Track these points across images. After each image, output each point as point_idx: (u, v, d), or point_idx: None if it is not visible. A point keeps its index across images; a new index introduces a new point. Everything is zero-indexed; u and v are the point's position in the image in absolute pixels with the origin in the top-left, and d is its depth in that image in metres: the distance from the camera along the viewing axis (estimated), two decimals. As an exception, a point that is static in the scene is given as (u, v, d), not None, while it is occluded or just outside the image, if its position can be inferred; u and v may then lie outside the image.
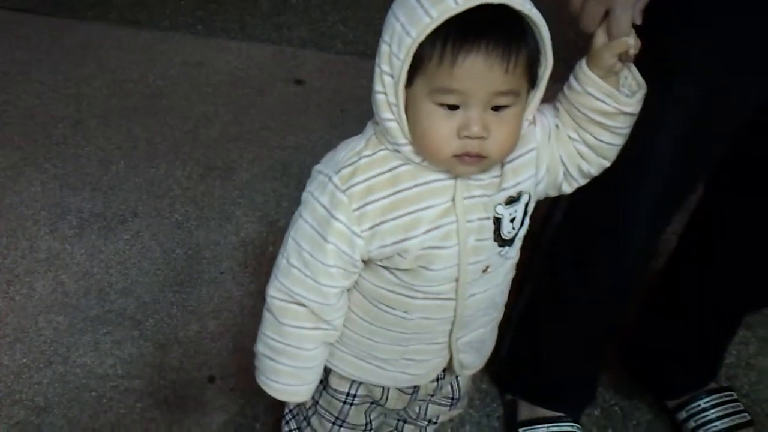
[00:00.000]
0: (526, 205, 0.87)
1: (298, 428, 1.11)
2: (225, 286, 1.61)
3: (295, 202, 1.92)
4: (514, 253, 0.89)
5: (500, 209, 0.85)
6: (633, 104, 0.85)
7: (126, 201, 1.81)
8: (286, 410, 1.13)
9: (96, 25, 2.55)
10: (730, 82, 0.94)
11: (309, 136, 2.06)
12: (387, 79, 0.77)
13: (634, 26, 0.81)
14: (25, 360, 1.42)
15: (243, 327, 1.51)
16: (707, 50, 0.93)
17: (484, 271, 0.87)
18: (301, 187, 2.07)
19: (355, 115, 2.13)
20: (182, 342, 1.48)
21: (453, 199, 0.82)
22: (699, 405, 1.37)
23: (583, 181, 0.91)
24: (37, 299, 1.55)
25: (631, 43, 0.80)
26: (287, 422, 1.13)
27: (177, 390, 1.39)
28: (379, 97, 0.78)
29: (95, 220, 1.75)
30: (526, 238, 0.92)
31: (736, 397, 1.40)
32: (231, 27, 2.57)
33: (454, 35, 0.72)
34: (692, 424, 1.36)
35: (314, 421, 1.06)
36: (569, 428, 1.32)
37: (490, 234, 0.85)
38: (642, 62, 0.84)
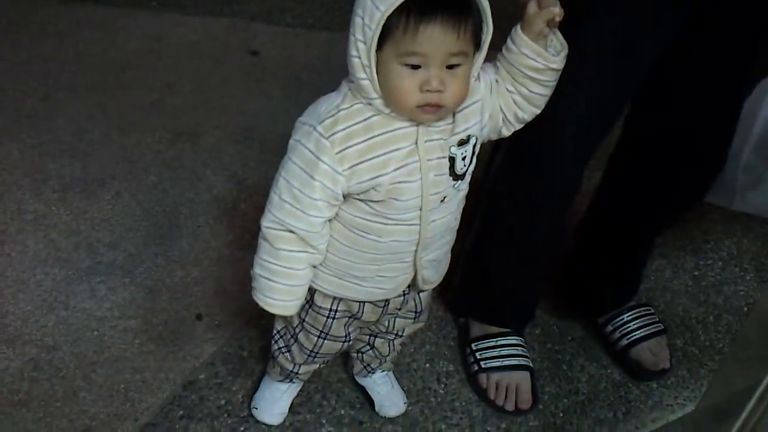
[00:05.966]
0: (474, 146, 1.04)
1: (286, 345, 1.26)
2: (203, 237, 1.74)
3: (260, 162, 2.13)
4: (464, 186, 1.07)
5: (453, 149, 1.02)
6: (558, 61, 1.02)
7: (103, 166, 1.92)
8: (274, 331, 1.27)
9: (50, 3, 2.58)
10: (631, 36, 1.14)
11: (268, 103, 2.19)
12: (360, 45, 0.93)
13: None
14: (29, 307, 1.54)
15: (223, 272, 1.65)
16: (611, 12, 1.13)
17: (441, 201, 1.04)
18: (264, 149, 2.25)
19: (309, 82, 2.26)
20: (169, 287, 1.61)
21: (416, 143, 0.99)
22: (623, 319, 1.56)
23: (518, 126, 1.09)
24: (31, 255, 1.65)
25: (557, 11, 0.96)
26: (276, 341, 1.28)
27: (169, 327, 1.53)
28: (354, 61, 0.95)
29: (76, 183, 1.85)
30: (472, 183, 1.10)
31: (653, 311, 1.60)
32: (185, 2, 2.64)
33: (415, 10, 0.89)
34: (617, 334, 1.55)
35: (301, 336, 1.21)
36: (514, 341, 1.49)
37: (446, 170, 1.02)
38: (563, 27, 1.01)
